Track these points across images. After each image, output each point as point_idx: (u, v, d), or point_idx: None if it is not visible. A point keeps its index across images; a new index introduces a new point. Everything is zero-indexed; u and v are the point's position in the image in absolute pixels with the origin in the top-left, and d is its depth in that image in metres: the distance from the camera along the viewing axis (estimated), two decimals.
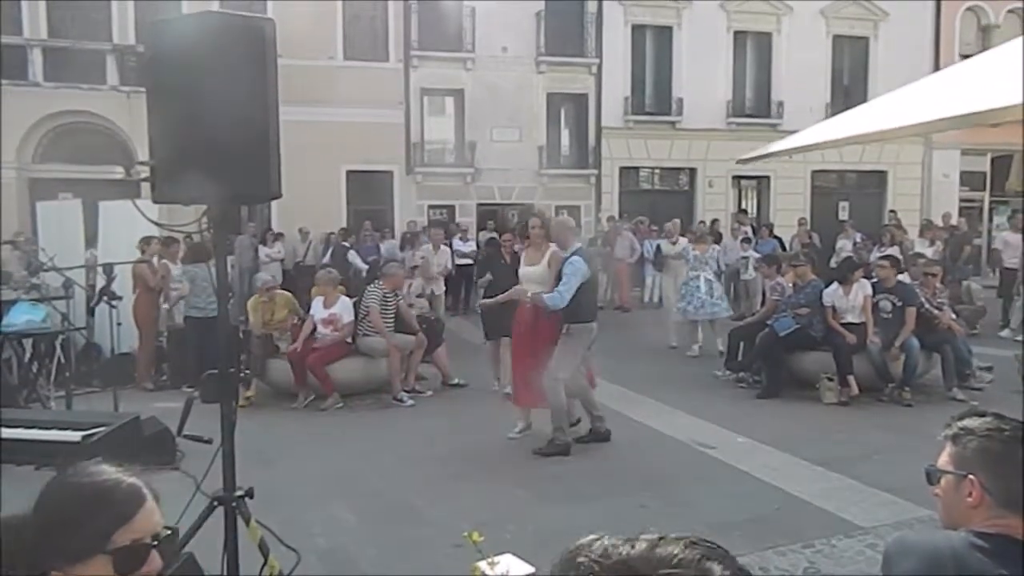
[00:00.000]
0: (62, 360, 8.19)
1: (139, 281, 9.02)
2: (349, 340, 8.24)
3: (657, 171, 21.20)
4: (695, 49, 20.08)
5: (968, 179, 22.12)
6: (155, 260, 9.24)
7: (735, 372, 8.90)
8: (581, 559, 0.84)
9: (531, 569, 2.77)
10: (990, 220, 22.01)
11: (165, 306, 9.40)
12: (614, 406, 7.26)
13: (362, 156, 18.28)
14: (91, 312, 8.95)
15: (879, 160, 21.05)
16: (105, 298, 7.42)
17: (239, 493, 3.17)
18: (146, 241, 9.10)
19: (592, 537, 0.87)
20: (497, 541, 3.76)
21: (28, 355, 8.02)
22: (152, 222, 3.39)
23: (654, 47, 20.39)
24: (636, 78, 20.26)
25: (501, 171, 19.31)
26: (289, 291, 9.68)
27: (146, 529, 1.31)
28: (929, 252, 12.47)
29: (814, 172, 21.17)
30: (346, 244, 15.36)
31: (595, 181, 20.12)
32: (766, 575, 4.13)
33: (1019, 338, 10.74)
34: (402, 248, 15.07)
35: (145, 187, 3.13)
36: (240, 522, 3.17)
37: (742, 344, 8.88)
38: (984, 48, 19.71)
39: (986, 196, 22.25)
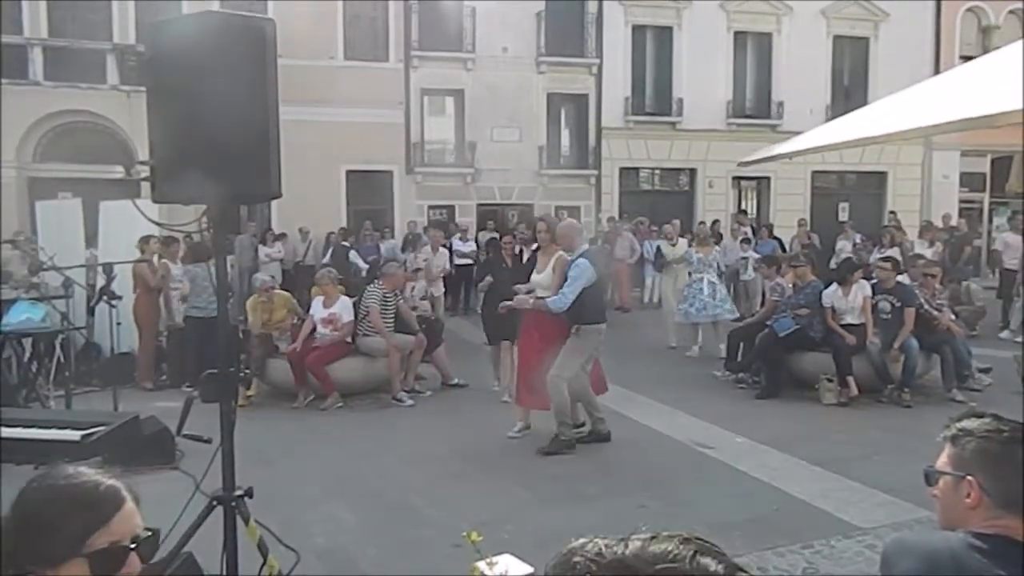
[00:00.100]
0: (62, 359, 8.19)
1: (139, 281, 9.02)
2: (349, 340, 8.24)
3: (657, 171, 21.21)
4: (695, 49, 20.08)
5: (968, 180, 22.12)
6: (155, 260, 9.25)
7: (734, 373, 8.91)
8: (577, 559, 0.85)
9: (530, 569, 2.77)
10: (990, 221, 22.02)
11: (168, 304, 9.38)
12: (614, 406, 7.26)
13: (362, 156, 18.28)
14: (91, 311, 8.96)
15: (879, 161, 21.05)
16: (105, 297, 7.42)
17: (238, 493, 3.17)
18: (145, 240, 9.10)
19: (584, 539, 0.88)
20: (496, 541, 3.76)
21: (28, 354, 8.01)
22: (152, 222, 3.39)
23: (654, 47, 20.40)
24: (636, 78, 20.26)
25: (501, 171, 19.32)
26: (288, 291, 9.70)
27: (124, 531, 1.30)
28: (929, 253, 12.47)
29: (814, 173, 21.17)
30: (346, 244, 15.36)
31: (595, 181, 20.13)
32: (765, 575, 4.13)
33: (1019, 339, 10.74)
34: (403, 250, 15.07)
35: (145, 187, 3.13)
36: (239, 522, 3.17)
37: (742, 345, 8.88)
38: (984, 48, 19.77)
39: (986, 197, 22.25)
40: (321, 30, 17.70)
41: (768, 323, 8.49)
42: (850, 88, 21.19)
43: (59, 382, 7.79)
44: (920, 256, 10.90)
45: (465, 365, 9.11)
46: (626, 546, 0.85)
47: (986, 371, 8.46)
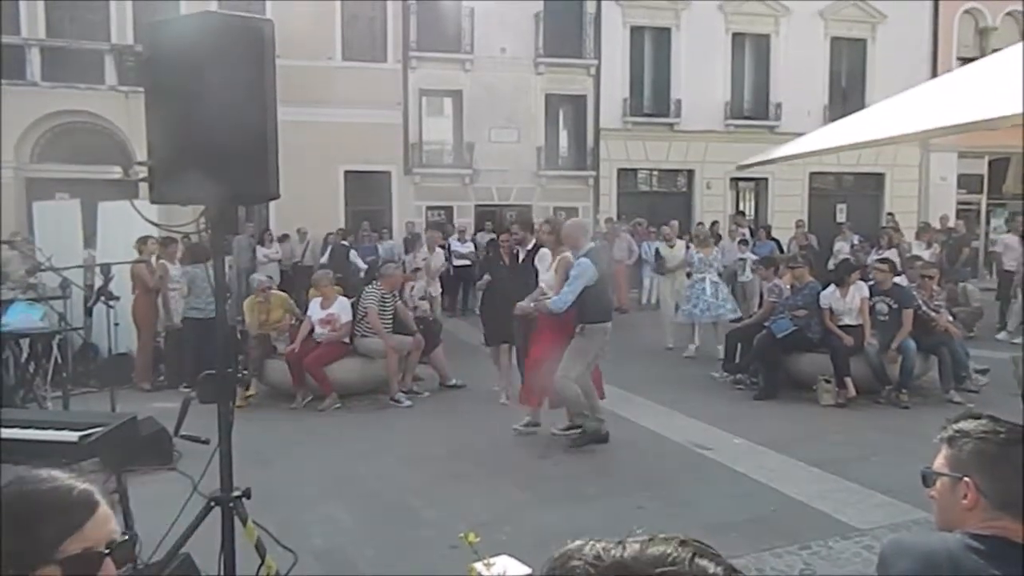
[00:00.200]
0: (59, 360, 8.18)
1: (137, 281, 9.02)
2: (347, 341, 8.24)
3: (655, 173, 21.22)
4: (693, 51, 20.10)
5: (965, 182, 22.15)
6: (153, 260, 9.24)
7: (732, 374, 8.91)
8: (575, 563, 0.85)
9: (528, 570, 2.77)
10: (987, 223, 22.05)
11: (167, 305, 9.37)
12: (612, 408, 7.26)
13: (360, 156, 18.28)
14: (88, 312, 8.93)
15: (876, 162, 21.08)
16: (102, 298, 7.40)
17: (236, 493, 3.17)
18: (143, 241, 9.09)
19: (579, 542, 0.88)
20: (494, 542, 3.77)
21: (25, 355, 8.00)
22: (150, 222, 3.39)
23: (652, 49, 20.41)
24: (634, 79, 20.27)
25: (499, 172, 19.32)
26: (285, 292, 9.69)
27: (98, 537, 1.28)
28: (926, 254, 12.48)
29: (812, 174, 21.18)
30: (345, 244, 15.36)
31: (593, 182, 20.13)
32: None
33: (1016, 340, 10.75)
34: (407, 251, 15.06)
35: (143, 187, 3.13)
36: (237, 522, 3.17)
37: (739, 346, 8.89)
38: (982, 50, 19.80)
39: (983, 199, 22.28)
40: (319, 30, 17.70)
41: (766, 324, 8.50)
42: (848, 89, 21.22)
43: (56, 383, 7.78)
44: (918, 257, 10.90)
45: (463, 366, 9.11)
46: (624, 549, 0.85)
47: (983, 372, 8.47)
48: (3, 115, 14.86)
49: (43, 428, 3.38)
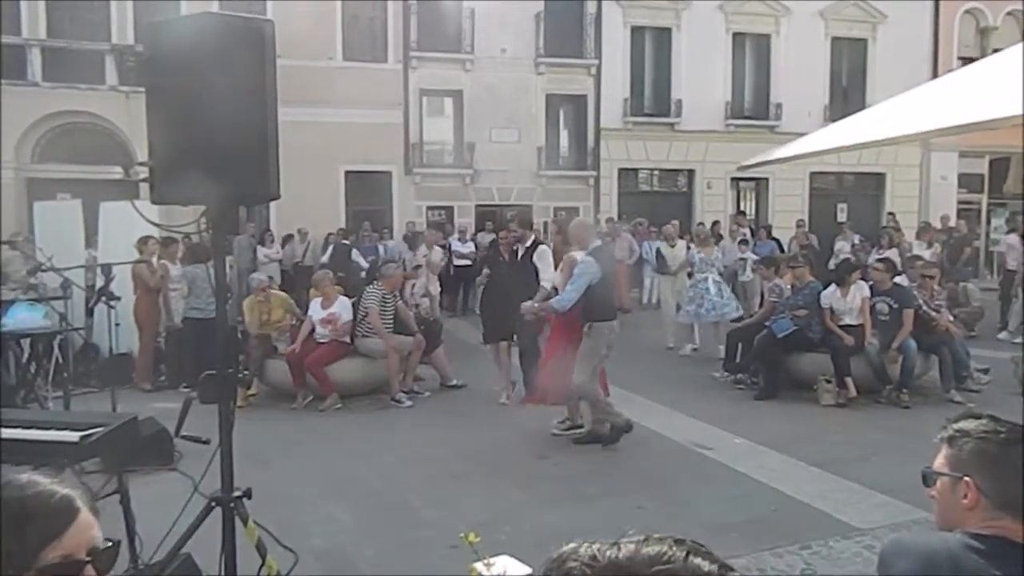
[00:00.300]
0: (60, 360, 8.18)
1: (138, 281, 9.02)
2: (347, 341, 8.24)
3: (656, 172, 21.22)
4: (694, 51, 20.10)
5: (966, 181, 22.15)
6: (154, 260, 9.24)
7: (733, 373, 8.91)
8: (571, 564, 0.86)
9: (528, 570, 2.77)
10: (988, 222, 22.04)
11: (167, 305, 9.38)
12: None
13: (361, 157, 18.28)
14: (89, 312, 8.94)
15: (877, 162, 21.07)
16: (103, 298, 7.41)
17: (237, 494, 3.17)
18: (143, 241, 9.09)
19: (574, 544, 0.89)
20: (495, 542, 3.77)
21: (26, 355, 8.00)
22: (151, 223, 3.39)
23: (653, 49, 20.41)
24: (635, 79, 20.28)
25: (500, 172, 19.32)
26: (286, 292, 9.69)
27: (78, 544, 1.24)
28: (927, 254, 12.47)
29: (812, 174, 21.19)
30: (347, 243, 15.35)
31: (594, 182, 20.13)
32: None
33: (1017, 340, 10.75)
34: (411, 249, 15.06)
35: (144, 188, 3.13)
36: (238, 522, 3.17)
37: (740, 345, 8.89)
38: (983, 50, 19.79)
39: (984, 198, 22.28)
40: (320, 31, 17.70)
41: (766, 324, 8.50)
42: (848, 89, 21.22)
43: (57, 383, 7.78)
44: (918, 257, 10.90)
45: (464, 366, 9.11)
46: (619, 549, 0.86)
47: (984, 372, 8.47)
48: (4, 115, 14.86)
49: (44, 428, 3.38)
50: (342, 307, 8.27)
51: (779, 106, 20.71)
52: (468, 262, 15.02)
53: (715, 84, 20.39)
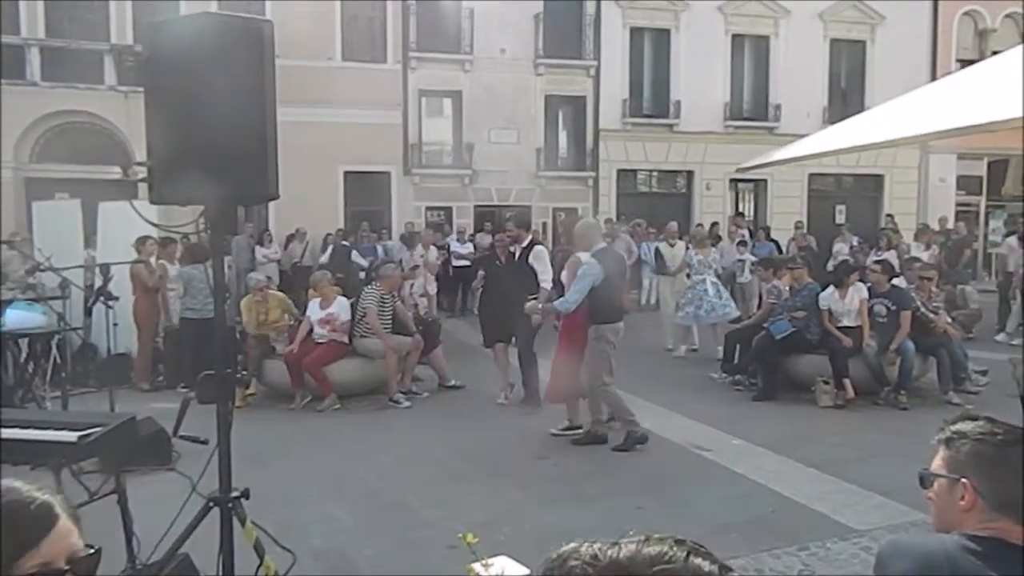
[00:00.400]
0: (58, 360, 8.17)
1: (137, 281, 9.02)
2: (346, 341, 8.24)
3: (655, 174, 21.23)
4: (693, 52, 20.12)
5: (964, 183, 22.17)
6: (153, 260, 9.24)
7: (731, 375, 8.91)
8: (572, 563, 0.86)
9: (526, 571, 2.77)
10: (986, 224, 22.07)
11: (166, 305, 9.37)
12: None
13: (360, 157, 18.28)
14: (88, 312, 8.93)
15: (876, 164, 21.10)
16: (102, 298, 7.40)
17: (235, 494, 3.17)
18: (141, 241, 9.08)
19: (574, 544, 0.89)
20: (493, 542, 3.77)
21: (24, 355, 7.99)
22: (149, 223, 3.39)
23: (652, 50, 20.42)
24: (634, 81, 20.29)
25: (499, 173, 19.32)
26: (284, 292, 9.69)
27: (56, 552, 1.21)
28: (925, 256, 12.48)
29: (811, 176, 21.20)
30: (346, 243, 15.36)
31: (593, 183, 20.14)
32: None
33: (1015, 342, 10.76)
34: (409, 249, 15.10)
35: (143, 188, 3.13)
36: (236, 523, 3.17)
37: (738, 347, 8.89)
38: (981, 52, 19.81)
39: (982, 200, 22.30)
40: (319, 31, 17.70)
41: (765, 325, 8.50)
42: (847, 91, 21.25)
43: (55, 383, 7.78)
44: (916, 259, 10.91)
45: (462, 366, 9.11)
46: (620, 549, 0.86)
47: (982, 374, 8.48)
48: (3, 115, 14.85)
49: (42, 428, 3.38)
50: (340, 307, 8.27)
51: (778, 107, 20.73)
52: (467, 263, 15.01)
53: (714, 85, 20.41)
